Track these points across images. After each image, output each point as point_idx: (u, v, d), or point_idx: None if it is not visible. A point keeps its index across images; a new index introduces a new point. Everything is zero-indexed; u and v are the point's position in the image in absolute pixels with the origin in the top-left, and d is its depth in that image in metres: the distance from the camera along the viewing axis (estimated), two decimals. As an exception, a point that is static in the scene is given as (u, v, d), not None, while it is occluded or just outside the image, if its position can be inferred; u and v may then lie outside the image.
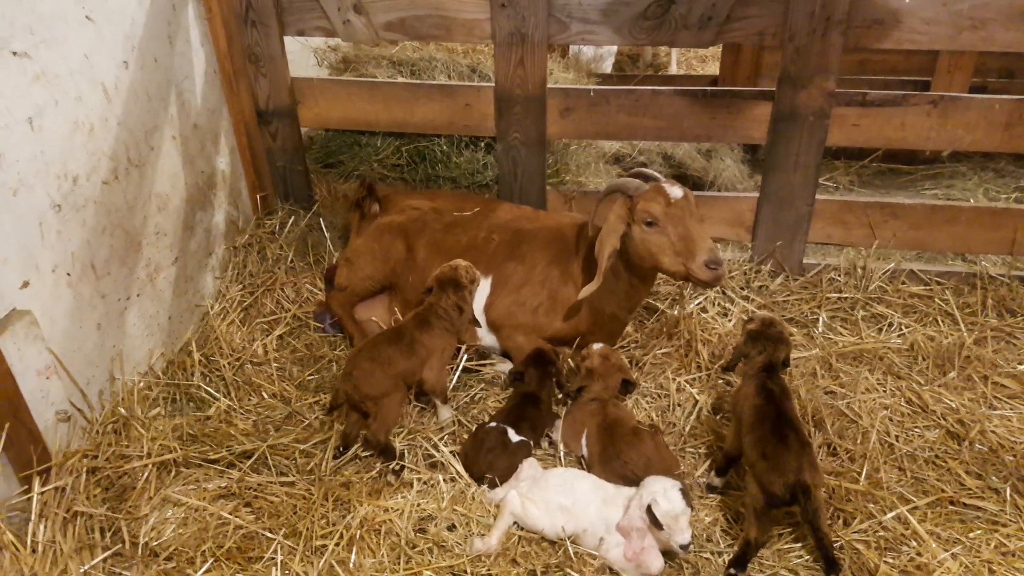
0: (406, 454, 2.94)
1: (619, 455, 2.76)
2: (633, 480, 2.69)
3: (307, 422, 3.12)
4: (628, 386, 3.06)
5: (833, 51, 3.43)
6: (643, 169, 3.18)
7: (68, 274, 2.63)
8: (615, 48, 6.87)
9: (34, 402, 2.42)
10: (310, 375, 3.43)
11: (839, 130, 3.61)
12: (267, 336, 3.60)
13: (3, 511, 2.33)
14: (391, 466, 2.85)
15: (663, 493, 2.38)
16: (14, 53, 2.34)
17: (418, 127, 4.01)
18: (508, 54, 3.63)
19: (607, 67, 6.83)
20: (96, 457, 2.62)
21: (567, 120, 3.79)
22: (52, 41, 2.52)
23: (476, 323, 3.26)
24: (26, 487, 2.41)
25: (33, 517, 2.36)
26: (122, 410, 2.82)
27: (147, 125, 3.08)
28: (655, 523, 2.35)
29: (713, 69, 7.51)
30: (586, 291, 3.04)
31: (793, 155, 3.67)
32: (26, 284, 2.43)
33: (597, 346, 3.11)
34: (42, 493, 2.41)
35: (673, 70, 7.93)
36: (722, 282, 3.04)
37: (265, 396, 3.27)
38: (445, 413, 3.14)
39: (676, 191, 2.91)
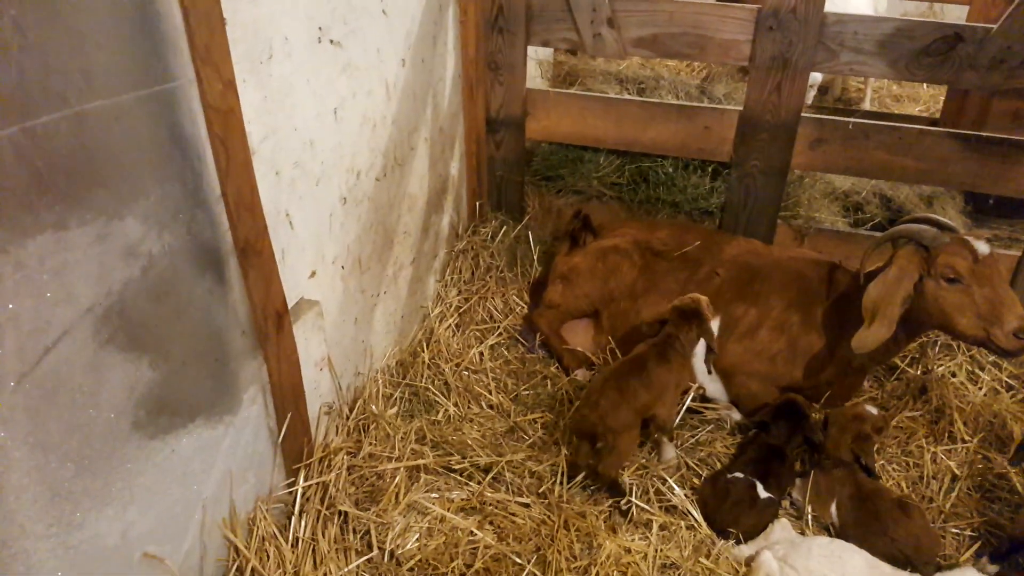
0: (635, 491, 2.80)
1: (885, 531, 2.51)
2: (899, 561, 2.45)
3: (530, 440, 3.03)
4: (866, 471, 2.74)
5: None
6: (932, 215, 2.92)
7: (342, 267, 2.64)
8: (820, 78, 6.55)
9: (309, 394, 2.42)
10: (525, 390, 3.34)
11: None
12: (481, 344, 3.56)
13: (270, 502, 2.33)
14: (620, 504, 2.71)
15: None
16: (332, 41, 2.36)
17: (648, 147, 3.87)
18: (765, 79, 3.45)
19: (808, 98, 6.52)
20: (356, 455, 2.60)
21: (816, 152, 3.56)
22: (358, 32, 2.53)
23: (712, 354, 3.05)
24: (291, 480, 2.41)
25: (296, 511, 2.35)
26: (373, 407, 2.81)
27: (411, 125, 3.08)
28: None
29: (908, 108, 7.08)
30: (869, 342, 2.77)
31: (1073, 215, 3.31)
32: (314, 274, 2.44)
33: (869, 408, 2.85)
34: (306, 488, 2.41)
35: (866, 106, 7.52)
36: None
37: (483, 406, 3.21)
38: (670, 452, 2.98)
39: (984, 247, 2.65)
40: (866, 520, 2.58)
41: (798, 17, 3.27)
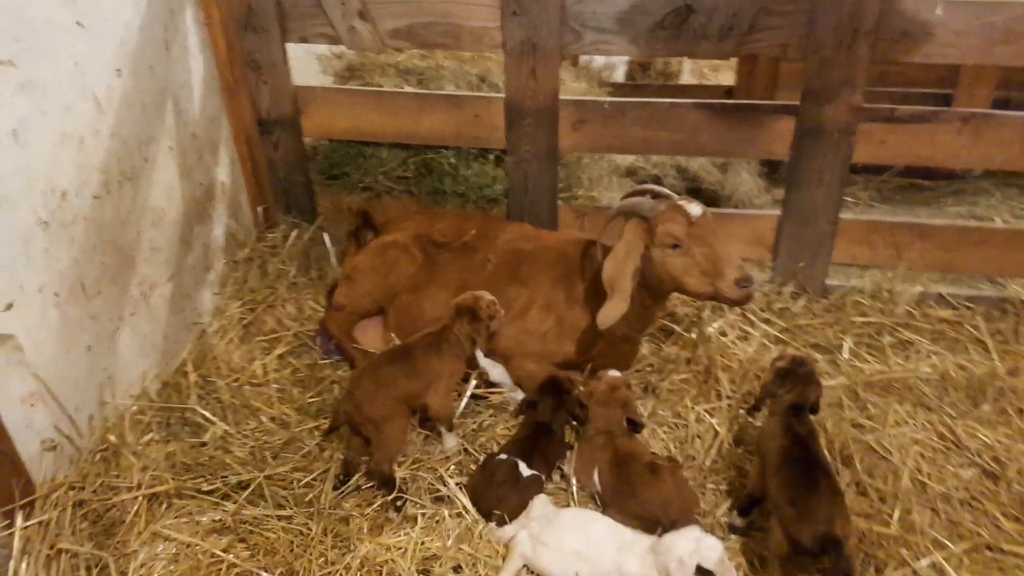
0: (408, 485, 2.79)
1: (635, 494, 2.59)
2: (650, 521, 2.54)
3: (307, 449, 2.96)
4: (634, 426, 2.87)
5: (860, 64, 3.27)
6: (651, 186, 3.04)
7: (56, 294, 2.48)
8: (627, 56, 6.73)
9: (18, 431, 2.28)
10: (311, 398, 3.27)
11: (865, 147, 3.45)
12: (267, 355, 3.45)
13: (-18, 548, 2.19)
14: (392, 499, 2.70)
15: (702, 544, 2.24)
16: (-3, 62, 2.21)
17: (425, 138, 3.86)
18: (519, 64, 3.49)
19: (618, 75, 6.69)
20: (83, 489, 2.47)
21: (580, 133, 3.64)
22: (39, 47, 2.37)
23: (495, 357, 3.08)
24: (8, 522, 2.26)
25: (15, 554, 2.21)
26: (112, 437, 2.67)
27: (141, 136, 2.94)
28: None
29: (727, 78, 7.38)
30: (610, 317, 2.87)
31: (817, 172, 3.51)
32: (9, 306, 2.28)
33: (612, 373, 2.95)
34: (25, 528, 2.26)
35: (685, 79, 7.80)
36: (753, 299, 2.90)
37: (264, 420, 3.11)
38: (451, 441, 2.99)
39: (695, 209, 2.78)
40: (619, 484, 2.66)
41: (538, 0, 3.31)
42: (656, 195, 2.92)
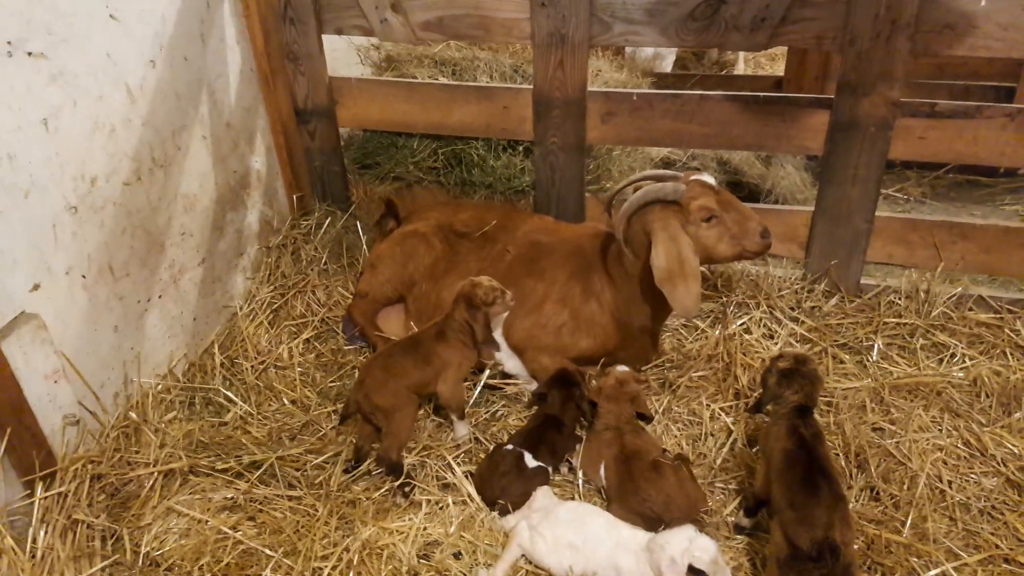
0: (417, 472, 2.84)
1: (637, 491, 2.58)
2: (652, 519, 2.53)
3: (322, 432, 3.05)
4: (644, 418, 2.85)
5: (899, 57, 3.15)
6: (652, 171, 3.07)
7: (83, 276, 2.61)
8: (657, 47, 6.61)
9: (40, 406, 2.41)
10: (332, 382, 3.36)
11: (903, 143, 3.32)
12: (294, 340, 3.55)
13: (4, 515, 2.32)
14: (399, 485, 2.75)
15: (695, 544, 2.22)
16: (29, 54, 2.32)
17: (455, 129, 3.89)
18: (547, 55, 3.47)
19: (667, 65, 6.56)
20: (101, 463, 2.60)
21: (608, 125, 3.61)
22: (72, 40, 2.49)
23: (495, 346, 3.09)
24: (28, 492, 2.40)
25: (34, 523, 2.34)
26: (133, 414, 2.80)
27: (174, 125, 3.05)
28: None
29: (783, 69, 7.17)
30: (689, 302, 2.77)
31: (851, 168, 3.40)
32: (36, 287, 2.42)
33: (620, 369, 2.93)
34: (44, 498, 2.40)
35: (740, 69, 7.60)
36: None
37: (285, 402, 3.22)
38: (462, 430, 3.02)
39: (709, 178, 2.88)
40: (623, 480, 2.65)
41: (566, -9, 3.30)
42: (663, 179, 2.92)
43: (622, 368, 2.93)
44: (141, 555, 2.43)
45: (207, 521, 2.53)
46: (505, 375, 3.34)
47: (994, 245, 3.45)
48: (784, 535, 2.20)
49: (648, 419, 2.85)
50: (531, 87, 3.61)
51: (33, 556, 2.30)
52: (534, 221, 3.50)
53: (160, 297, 3.05)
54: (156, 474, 2.61)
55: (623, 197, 3.11)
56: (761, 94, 3.45)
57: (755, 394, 3.09)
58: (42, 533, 2.34)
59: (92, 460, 2.58)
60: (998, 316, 3.44)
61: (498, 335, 3.25)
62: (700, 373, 3.28)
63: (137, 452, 2.69)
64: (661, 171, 3.00)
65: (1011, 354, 3.26)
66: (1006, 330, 3.36)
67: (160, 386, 3.04)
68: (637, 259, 2.97)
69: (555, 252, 3.28)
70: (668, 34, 3.34)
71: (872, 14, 3.10)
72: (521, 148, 3.95)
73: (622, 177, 4.03)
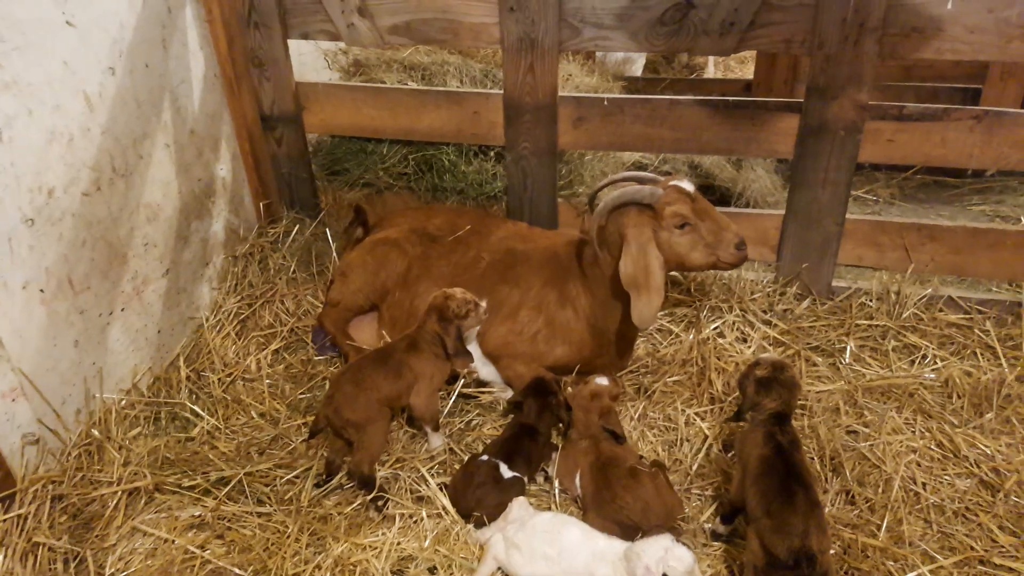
0: (390, 485, 2.79)
1: (614, 499, 2.55)
2: (629, 527, 2.50)
3: (292, 446, 2.99)
4: (615, 437, 2.78)
5: (867, 61, 3.16)
6: (630, 173, 3.04)
7: (41, 291, 2.52)
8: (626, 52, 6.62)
9: (-3, 426, 2.33)
10: (301, 394, 3.29)
11: (872, 145, 3.34)
12: (262, 351, 3.48)
13: (-40, 540, 2.24)
14: (372, 499, 2.69)
15: (671, 554, 2.19)
16: (-20, 62, 2.24)
17: (425, 135, 3.85)
18: (517, 60, 3.45)
19: (637, 69, 6.58)
20: (62, 483, 2.51)
21: (579, 130, 3.59)
22: (26, 48, 2.41)
23: (468, 358, 3.04)
24: (-15, 515, 2.32)
25: (-8, 547, 2.27)
26: (96, 432, 2.72)
27: (136, 133, 2.97)
28: None
29: (752, 71, 7.22)
30: (647, 314, 2.79)
31: (822, 171, 3.41)
32: (-10, 303, 2.34)
33: (598, 380, 2.88)
34: (3, 521, 2.31)
35: (710, 72, 7.65)
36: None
37: (254, 415, 3.15)
38: (436, 441, 2.98)
39: (689, 185, 2.83)
40: (600, 488, 2.62)
41: (535, -4, 3.27)
42: (641, 180, 2.90)
43: (601, 380, 2.88)
44: (105, 576, 2.35)
45: (174, 540, 2.46)
46: (480, 383, 3.30)
47: (963, 246, 3.48)
48: (761, 543, 2.19)
49: (619, 438, 2.79)
50: (502, 92, 3.58)
51: (-10, 583, 2.22)
52: (508, 227, 3.46)
53: (123, 310, 2.96)
54: (120, 493, 2.53)
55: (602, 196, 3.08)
56: (731, 99, 3.45)
57: (731, 398, 3.09)
58: (1, 557, 2.25)
59: (53, 480, 2.49)
60: (968, 316, 3.47)
61: (472, 345, 3.20)
62: (675, 378, 3.27)
63: (100, 471, 2.61)
64: (642, 173, 2.98)
65: (981, 354, 3.29)
66: (976, 330, 3.39)
67: (124, 402, 2.95)
68: (612, 259, 2.95)
69: (530, 259, 3.25)
70: (638, 39, 3.33)
71: (840, 18, 3.12)
72: (493, 153, 3.92)
73: (594, 182, 4.01)
